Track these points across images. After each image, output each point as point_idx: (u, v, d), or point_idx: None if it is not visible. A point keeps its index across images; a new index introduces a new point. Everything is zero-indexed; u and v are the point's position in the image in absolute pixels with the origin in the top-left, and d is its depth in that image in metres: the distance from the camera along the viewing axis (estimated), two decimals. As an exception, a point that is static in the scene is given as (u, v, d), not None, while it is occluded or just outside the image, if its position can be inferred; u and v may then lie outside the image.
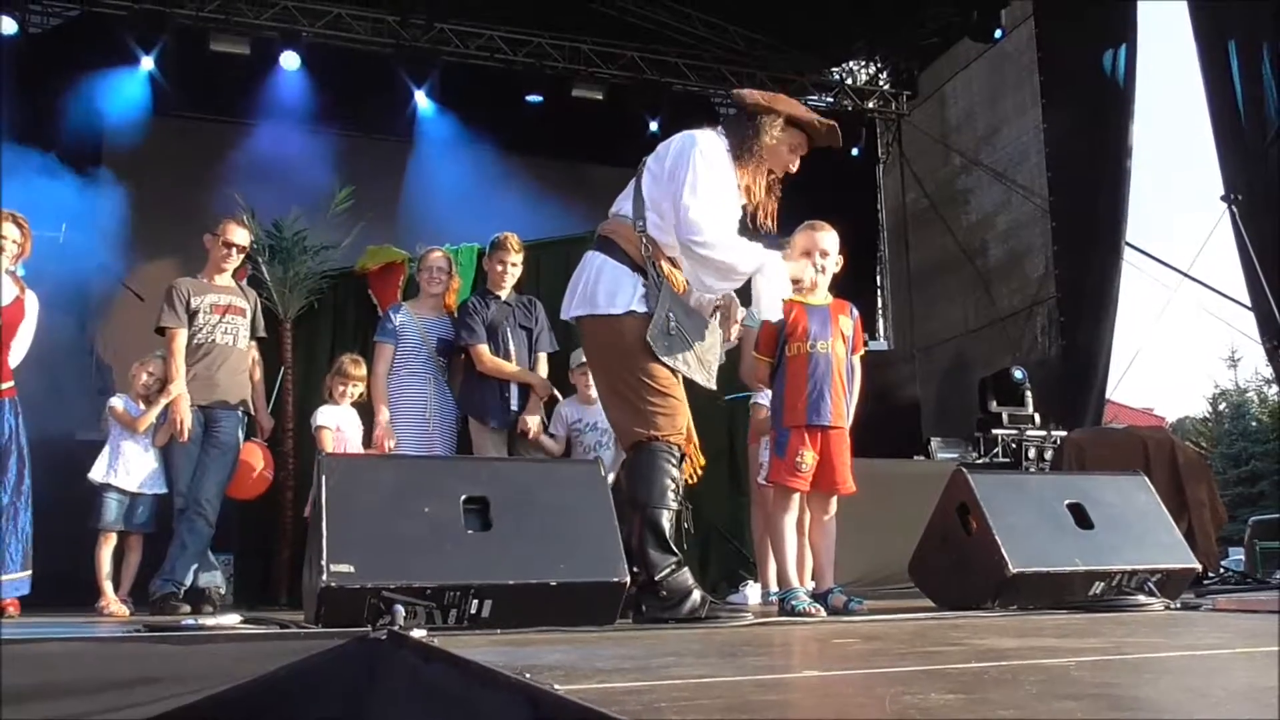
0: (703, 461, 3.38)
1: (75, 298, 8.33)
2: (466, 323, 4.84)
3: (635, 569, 3.23)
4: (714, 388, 3.36)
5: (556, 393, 5.02)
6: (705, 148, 3.25)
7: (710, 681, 1.41)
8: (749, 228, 3.38)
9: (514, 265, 4.92)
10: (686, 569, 3.13)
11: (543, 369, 4.95)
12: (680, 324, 3.18)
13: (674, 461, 3.16)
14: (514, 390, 4.84)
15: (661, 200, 3.23)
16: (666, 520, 3.11)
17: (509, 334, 4.85)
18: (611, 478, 4.67)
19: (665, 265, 3.23)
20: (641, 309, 3.16)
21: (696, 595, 3.06)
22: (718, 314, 3.43)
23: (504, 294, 4.94)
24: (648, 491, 3.11)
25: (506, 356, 4.84)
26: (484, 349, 4.80)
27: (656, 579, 3.05)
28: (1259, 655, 1.67)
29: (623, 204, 3.34)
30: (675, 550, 3.11)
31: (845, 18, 10.31)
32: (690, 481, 3.35)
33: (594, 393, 4.67)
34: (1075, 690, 1.23)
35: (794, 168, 3.46)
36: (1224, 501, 7.21)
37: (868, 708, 1.16)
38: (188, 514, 4.65)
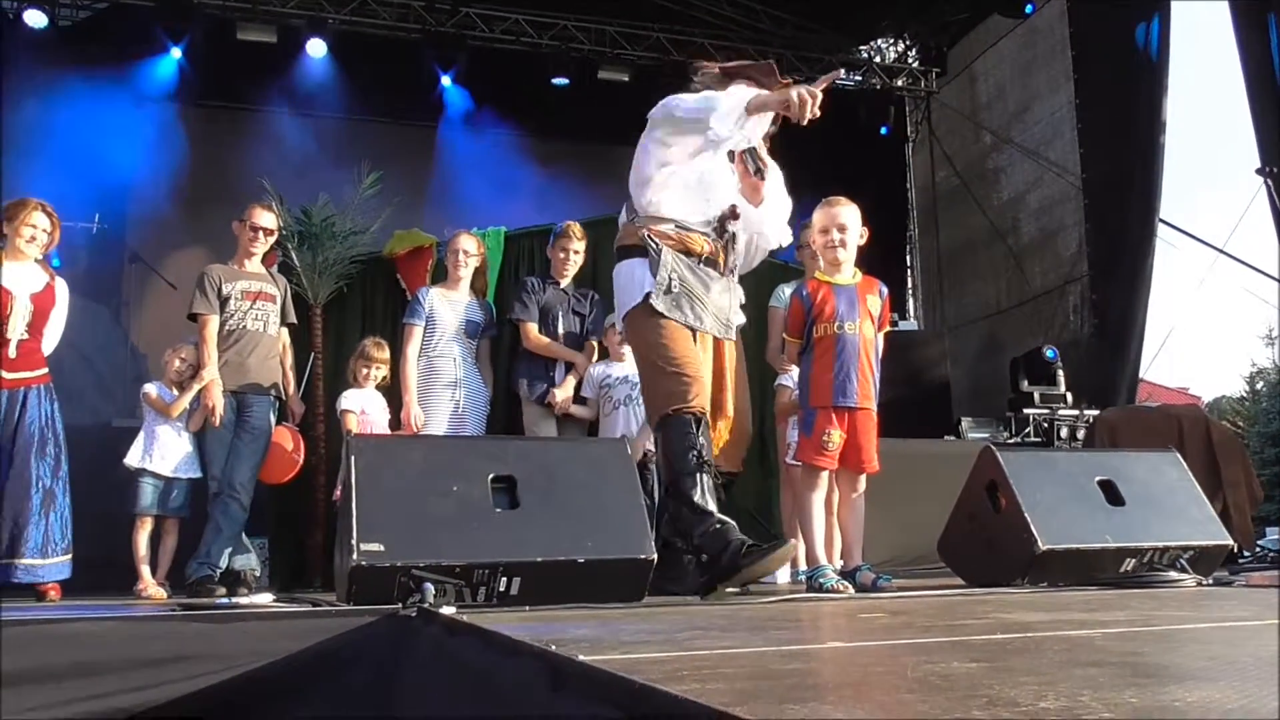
0: (734, 434, 3.44)
1: (110, 287, 8.46)
2: (521, 299, 5.05)
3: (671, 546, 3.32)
4: (731, 338, 3.54)
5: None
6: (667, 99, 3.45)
7: (734, 652, 1.41)
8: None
9: (576, 253, 5.12)
10: (730, 527, 3.15)
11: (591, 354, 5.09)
12: (684, 281, 3.32)
13: (691, 427, 3.21)
14: (559, 368, 5.01)
15: (640, 167, 3.44)
16: (693, 484, 3.16)
17: (559, 317, 5.02)
18: (639, 444, 4.76)
19: (663, 232, 3.37)
20: (650, 286, 3.32)
21: (735, 542, 3.08)
22: (731, 272, 3.49)
23: (565, 281, 5.11)
24: (671, 464, 3.21)
25: (554, 339, 5.03)
26: (532, 326, 5.00)
27: (696, 543, 3.12)
28: (1289, 626, 1.66)
29: (623, 214, 3.57)
30: (711, 511, 3.14)
31: (873, -4, 10.22)
32: (716, 454, 3.40)
33: (625, 350, 4.77)
34: (1099, 658, 1.23)
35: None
36: (1261, 480, 7.14)
37: (890, 675, 1.17)
38: (222, 498, 4.72)
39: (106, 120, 8.42)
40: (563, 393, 4.94)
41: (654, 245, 3.33)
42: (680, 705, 0.85)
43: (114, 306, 8.59)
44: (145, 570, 4.71)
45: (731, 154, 3.45)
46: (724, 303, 3.47)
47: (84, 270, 7.81)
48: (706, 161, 3.39)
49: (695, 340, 3.38)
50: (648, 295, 3.30)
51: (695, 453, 3.18)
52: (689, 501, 3.15)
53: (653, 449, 4.86)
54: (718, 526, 3.10)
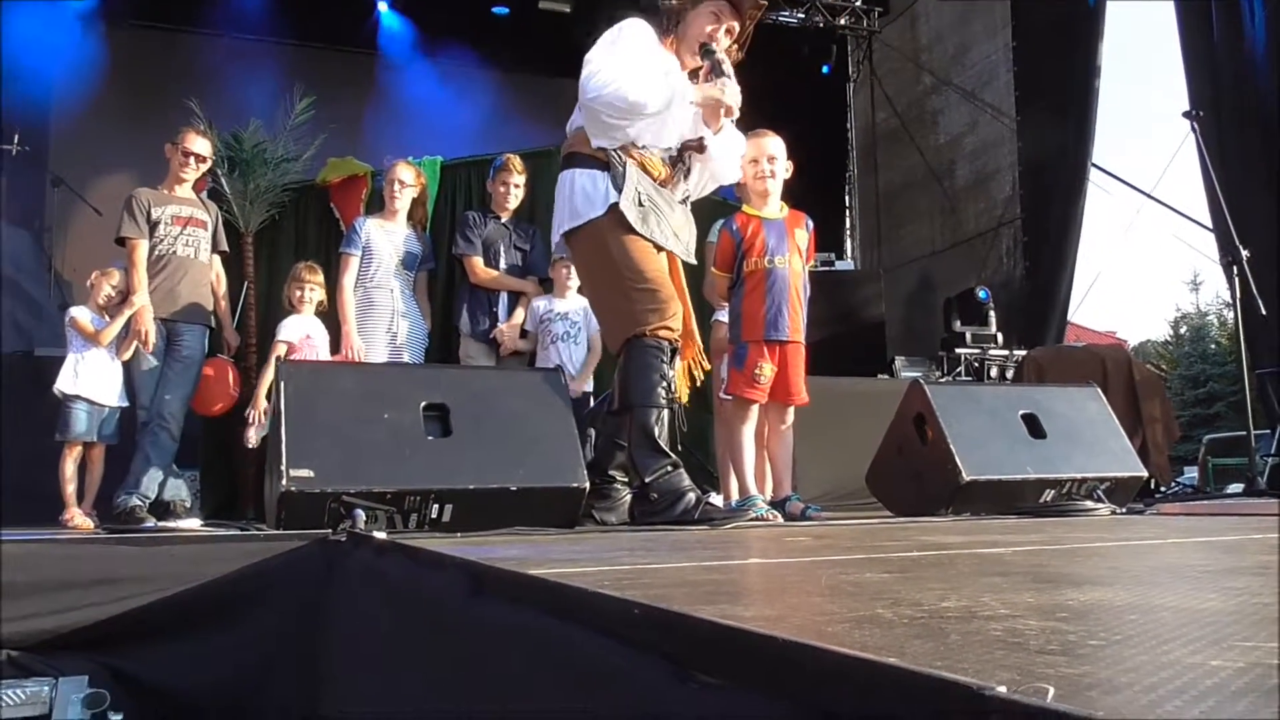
0: (708, 366, 3.38)
1: (31, 210, 8.20)
2: (464, 234, 4.98)
3: (605, 475, 3.28)
4: (694, 261, 3.40)
5: None
6: (623, 26, 3.27)
7: (657, 567, 1.44)
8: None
9: (517, 187, 5.04)
10: (681, 471, 3.06)
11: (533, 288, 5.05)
12: (650, 198, 3.18)
13: (663, 357, 3.08)
14: (502, 303, 4.98)
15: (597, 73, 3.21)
16: (655, 420, 3.04)
17: (501, 252, 4.97)
18: (577, 386, 4.77)
19: (624, 147, 3.22)
20: (615, 198, 3.14)
21: (690, 496, 2.99)
22: (684, 202, 3.42)
23: (505, 216, 5.05)
24: (634, 390, 3.05)
25: None
26: (477, 260, 4.94)
27: (647, 481, 3.01)
28: (1189, 544, 1.73)
29: (574, 119, 3.33)
30: (667, 452, 3.05)
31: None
32: (692, 385, 3.34)
33: (571, 285, 4.74)
34: (1005, 569, 1.28)
35: (723, 36, 3.37)
36: (1181, 422, 7.39)
37: (804, 584, 1.20)
38: (151, 427, 4.63)
39: (26, 38, 8.10)
40: (510, 329, 4.90)
41: (618, 156, 3.16)
42: (593, 599, 0.87)
43: (35, 231, 8.33)
44: (72, 498, 4.63)
45: (694, 75, 3.34)
46: (685, 227, 3.34)
47: (4, 194, 7.56)
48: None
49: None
50: (613, 206, 3.12)
51: (664, 385, 3.06)
52: (649, 437, 3.03)
53: (588, 390, 4.89)
54: (669, 470, 3.02)
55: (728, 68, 3.25)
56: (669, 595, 1.04)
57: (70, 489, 4.64)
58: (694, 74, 3.35)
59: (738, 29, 3.41)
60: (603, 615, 0.84)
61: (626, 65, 3.13)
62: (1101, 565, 1.37)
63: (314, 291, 4.93)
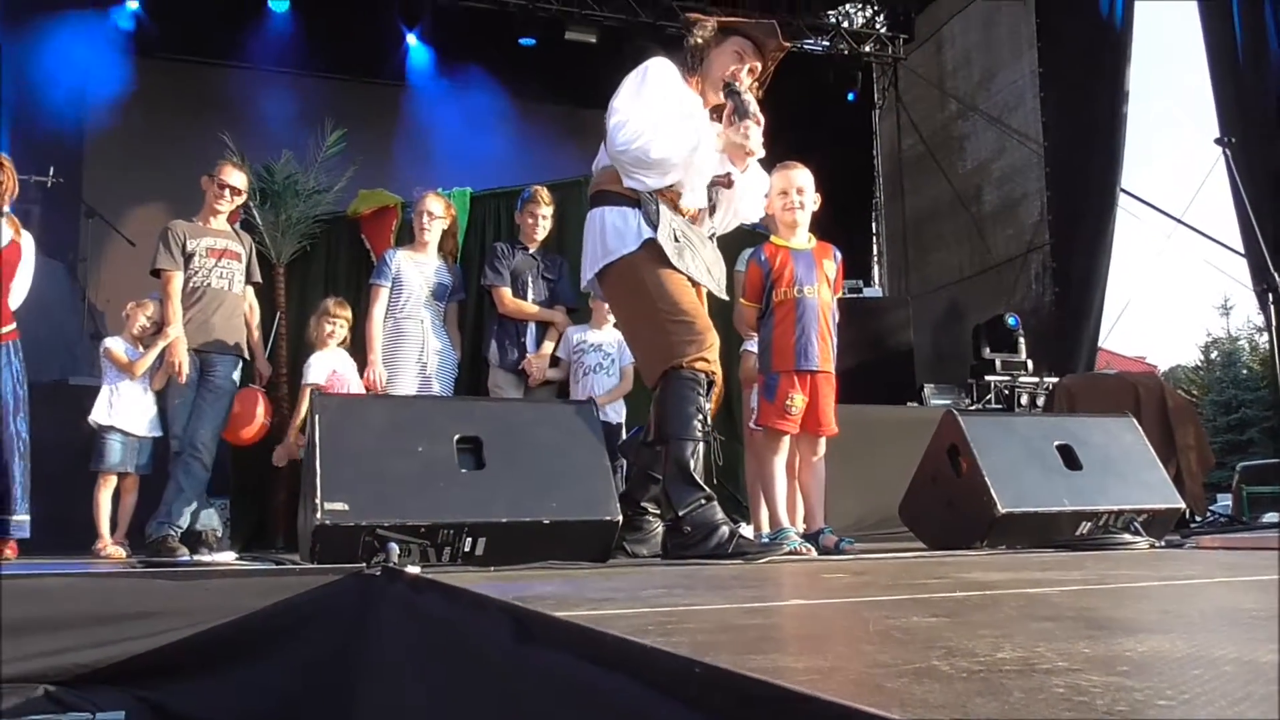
0: (721, 391, 3.36)
1: (65, 242, 8.32)
2: (493, 265, 5.01)
3: (638, 507, 3.27)
4: (725, 297, 3.41)
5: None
6: (648, 67, 3.27)
7: (698, 608, 1.43)
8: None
9: (545, 218, 5.08)
10: (714, 504, 3.04)
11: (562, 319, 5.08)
12: (684, 233, 3.18)
13: (699, 390, 3.07)
14: (530, 334, 5.00)
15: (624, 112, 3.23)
16: (690, 453, 3.03)
17: (529, 282, 5.00)
18: (612, 414, 4.77)
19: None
20: (649, 234, 3.14)
21: (724, 530, 2.97)
22: (711, 237, 3.42)
23: (534, 246, 5.09)
24: (671, 423, 3.05)
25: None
26: (505, 291, 4.97)
27: (680, 515, 3.00)
28: (1236, 584, 1.70)
29: (601, 158, 3.34)
30: (701, 485, 3.03)
31: (842, -41, 10.18)
32: (721, 410, 3.32)
33: (610, 316, 4.74)
34: (1054, 613, 1.26)
35: (746, 74, 3.37)
36: (1214, 448, 7.30)
37: (852, 629, 1.19)
38: (183, 457, 4.67)
39: (61, 72, 8.24)
40: (539, 362, 4.92)
41: (650, 196, 3.17)
42: (644, 654, 0.86)
43: (70, 262, 8.44)
44: (105, 528, 4.68)
45: (718, 112, 3.35)
46: (716, 263, 3.35)
47: (38, 225, 7.66)
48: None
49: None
50: (647, 241, 3.13)
51: (700, 418, 3.05)
52: (684, 471, 3.02)
53: (619, 420, 4.89)
54: (703, 503, 3.01)
55: (753, 107, 3.25)
56: (715, 642, 1.03)
57: (104, 519, 4.69)
58: (717, 111, 3.37)
59: (760, 69, 3.42)
60: (659, 671, 0.83)
61: (653, 116, 3.15)
62: (1151, 608, 1.35)
63: (341, 327, 4.97)
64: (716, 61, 3.37)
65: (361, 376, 4.90)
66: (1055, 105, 9.05)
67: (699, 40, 3.37)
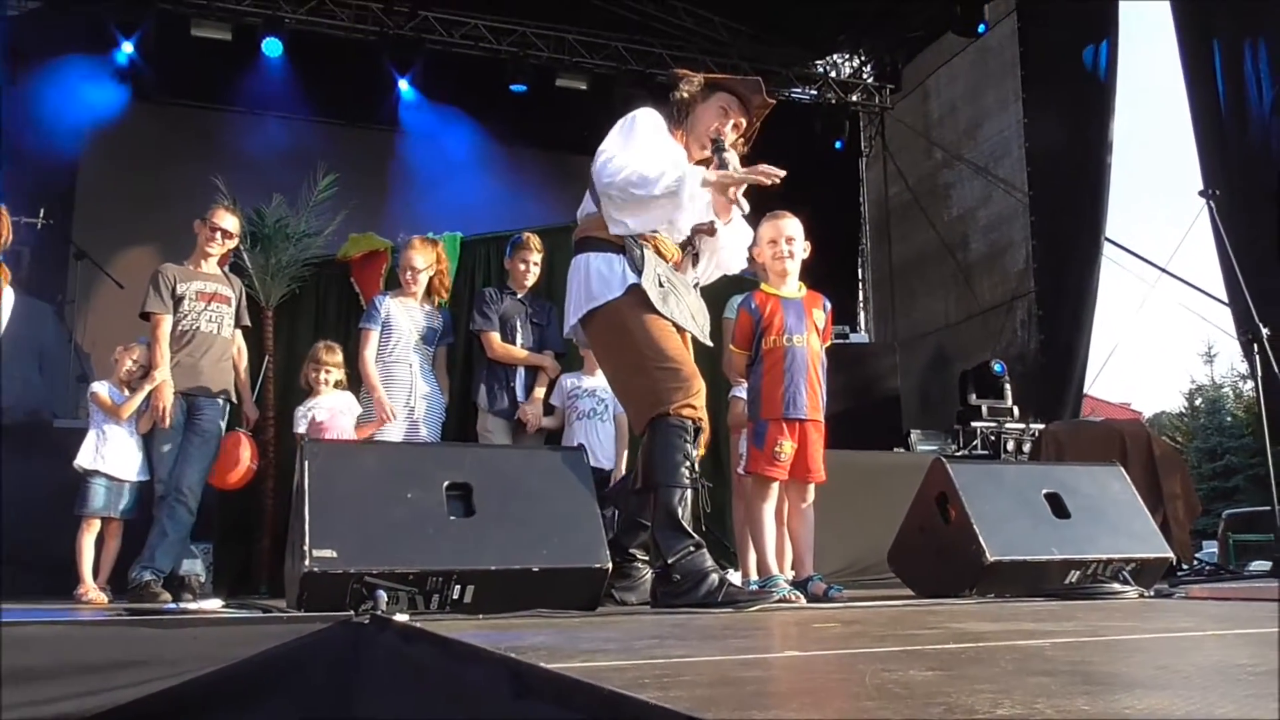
0: (707, 438, 3.35)
1: (54, 284, 8.30)
2: (482, 310, 5.04)
3: (626, 554, 3.25)
4: (710, 343, 3.39)
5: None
6: (636, 115, 3.31)
7: (693, 660, 1.43)
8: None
9: (535, 265, 5.13)
10: (704, 551, 3.02)
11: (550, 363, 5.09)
12: (669, 279, 3.19)
13: (686, 437, 3.05)
14: (519, 379, 5.00)
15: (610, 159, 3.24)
16: (679, 500, 3.01)
17: (518, 327, 5.03)
18: (604, 460, 4.76)
19: (639, 234, 3.23)
20: (634, 279, 3.15)
21: (714, 578, 2.94)
22: (695, 286, 3.43)
23: (522, 292, 5.12)
24: (659, 470, 3.03)
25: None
26: (494, 336, 4.99)
27: (670, 562, 2.97)
28: (1230, 636, 1.71)
29: (587, 204, 3.36)
30: (690, 532, 3.01)
31: (830, 10, 10.34)
32: (708, 454, 3.31)
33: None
34: (1050, 667, 1.26)
35: (731, 129, 3.39)
36: (1199, 495, 7.32)
37: (849, 683, 1.18)
38: (169, 501, 4.63)
39: (54, 113, 8.27)
40: (533, 409, 4.94)
41: (633, 239, 3.18)
42: (646, 711, 0.86)
43: (58, 305, 8.42)
44: (88, 573, 4.62)
45: (703, 165, 3.38)
46: (700, 310, 3.35)
47: (27, 266, 7.65)
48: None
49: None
50: (632, 287, 3.13)
51: (688, 465, 3.04)
52: (673, 518, 3.00)
53: (606, 465, 4.87)
54: (692, 550, 2.99)
55: (735, 163, 3.26)
56: (713, 697, 1.03)
57: (86, 564, 4.63)
58: (702, 165, 3.38)
59: (745, 125, 3.44)
60: (661, 728, 0.83)
61: (639, 152, 3.18)
62: (1147, 663, 1.35)
63: (331, 374, 4.96)
64: (702, 116, 3.40)
65: (360, 416, 4.86)
66: (1040, 155, 9.17)
67: (686, 94, 3.40)
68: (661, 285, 3.16)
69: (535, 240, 5.12)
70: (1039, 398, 8.48)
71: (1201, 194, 5.35)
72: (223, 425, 4.86)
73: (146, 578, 4.52)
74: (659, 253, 3.26)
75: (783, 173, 3.16)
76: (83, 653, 2.15)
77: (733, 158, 3.27)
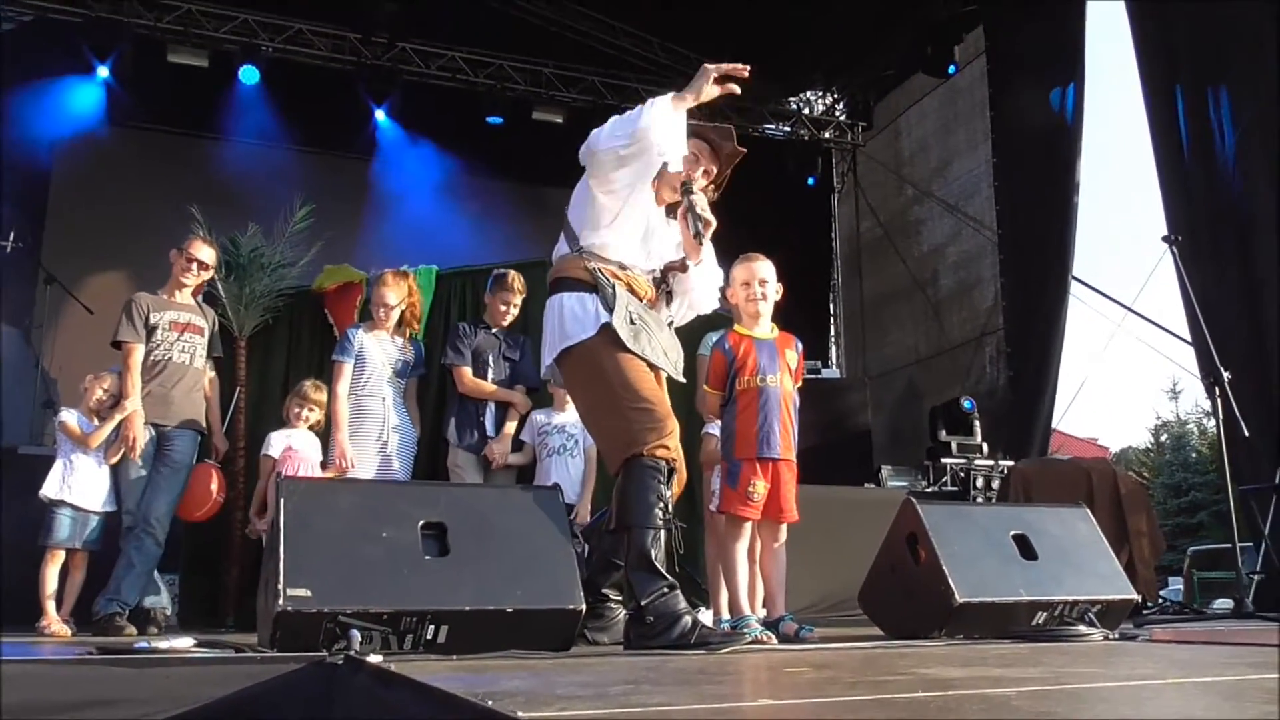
0: (683, 479, 3.36)
1: (21, 308, 8.23)
2: (455, 345, 5.04)
3: (599, 595, 3.26)
4: (683, 379, 3.40)
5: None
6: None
7: (669, 709, 1.45)
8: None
9: (515, 306, 5.14)
10: (677, 593, 3.02)
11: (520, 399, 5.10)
12: (640, 316, 3.21)
13: (660, 478, 3.07)
14: (489, 414, 5.01)
15: (581, 205, 3.31)
16: (652, 540, 3.02)
17: (490, 361, 5.04)
18: (580, 513, 4.77)
19: (612, 270, 3.27)
20: (607, 318, 3.17)
21: (686, 620, 2.95)
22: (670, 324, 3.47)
23: (497, 328, 5.13)
24: (632, 511, 3.04)
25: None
26: (466, 370, 5.00)
27: (643, 604, 2.97)
28: (1189, 685, 1.76)
29: (561, 246, 3.39)
30: (664, 574, 3.02)
31: (804, 49, 10.49)
32: (681, 497, 3.33)
33: (571, 404, 4.74)
34: (1016, 717, 1.30)
35: (701, 175, 3.44)
36: (1164, 531, 7.43)
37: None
38: (136, 532, 4.61)
39: (25, 135, 8.24)
40: (500, 447, 4.95)
41: (606, 279, 3.21)
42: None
43: (25, 328, 8.35)
44: (51, 606, 4.57)
45: (672, 210, 3.42)
46: (673, 346, 3.37)
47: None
48: (649, 208, 3.37)
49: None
50: (604, 326, 3.15)
51: (661, 506, 3.05)
52: (646, 560, 3.01)
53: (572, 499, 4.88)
54: (665, 592, 3.00)
55: (702, 205, 3.30)
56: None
57: (50, 595, 4.58)
58: (672, 209, 3.43)
59: (716, 172, 3.49)
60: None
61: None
62: (1108, 712, 1.39)
63: (314, 412, 4.99)
64: None
65: (325, 457, 4.90)
66: (1009, 195, 9.32)
67: None
68: (633, 323, 3.18)
69: (518, 281, 5.12)
70: (1008, 433, 8.58)
71: (1165, 239, 5.47)
72: (193, 457, 4.85)
73: (112, 610, 4.48)
74: (633, 291, 3.30)
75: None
76: (52, 692, 2.14)
77: (700, 199, 3.32)
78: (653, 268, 3.39)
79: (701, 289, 3.49)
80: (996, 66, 9.58)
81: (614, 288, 3.21)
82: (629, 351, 3.16)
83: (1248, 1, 6.57)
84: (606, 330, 3.17)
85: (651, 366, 3.25)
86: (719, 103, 3.40)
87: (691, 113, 3.23)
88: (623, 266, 3.31)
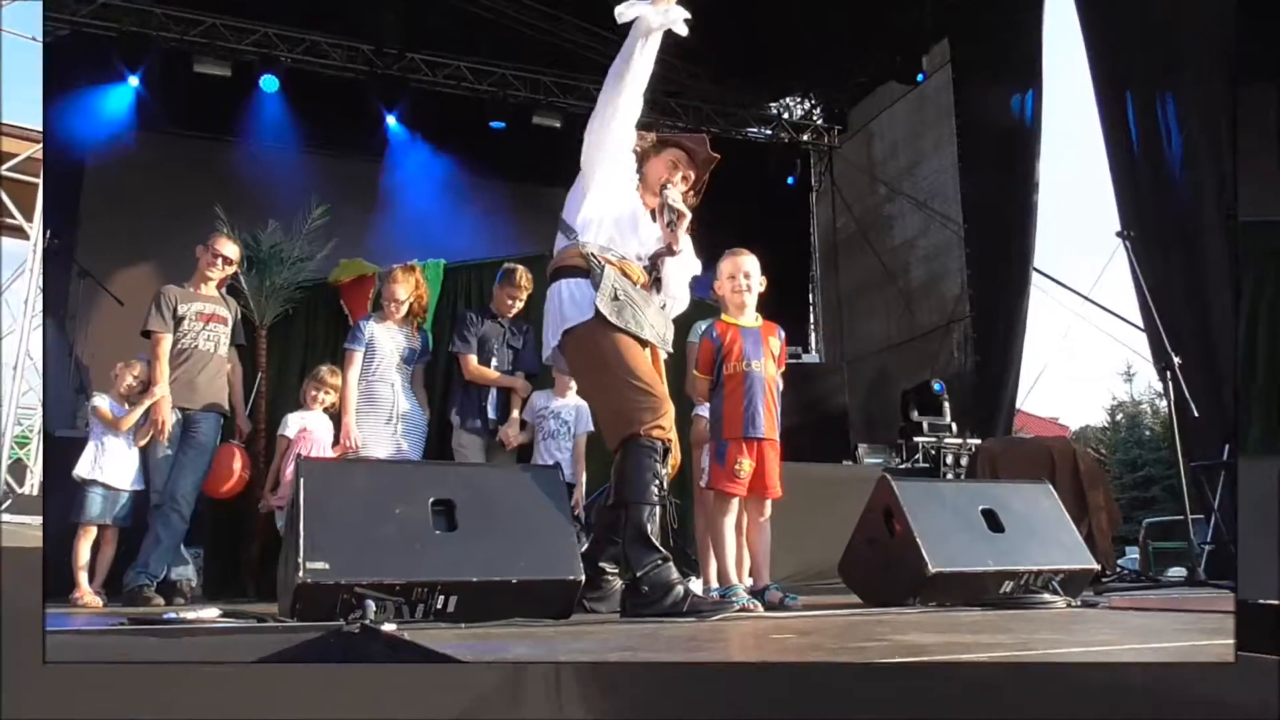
0: (677, 459, 3.34)
1: (57, 300, 8.18)
2: (461, 333, 5.02)
3: (597, 567, 3.25)
4: (670, 351, 3.38)
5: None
6: None
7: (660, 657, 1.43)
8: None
9: (520, 300, 5.09)
10: (670, 564, 3.01)
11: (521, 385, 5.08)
12: (626, 293, 3.18)
13: (656, 457, 3.06)
14: (492, 399, 4.99)
15: (575, 202, 3.31)
16: (647, 516, 3.01)
17: (495, 349, 5.03)
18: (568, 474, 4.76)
19: (606, 256, 3.24)
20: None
21: (679, 590, 2.94)
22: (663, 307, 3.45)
23: (503, 317, 5.10)
24: (630, 488, 3.04)
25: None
26: (471, 358, 4.99)
27: (639, 575, 2.97)
28: (1145, 651, 1.75)
29: (560, 240, 3.36)
30: (658, 547, 3.01)
31: (783, 57, 10.44)
32: (675, 475, 3.32)
33: (572, 385, 4.72)
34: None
35: (680, 180, 3.45)
36: (1120, 504, 7.44)
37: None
38: (163, 509, 4.59)
39: (61, 140, 8.18)
40: (511, 430, 4.96)
41: (596, 262, 3.18)
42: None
43: (60, 318, 8.29)
44: (83, 578, 4.53)
45: (653, 213, 3.40)
46: (660, 322, 3.33)
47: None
48: (636, 204, 3.36)
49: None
50: (597, 311, 3.11)
51: (657, 483, 3.05)
52: (642, 533, 3.00)
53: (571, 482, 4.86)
54: (659, 564, 2.98)
55: (677, 202, 3.33)
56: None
57: (82, 568, 4.55)
58: (652, 212, 3.41)
59: (694, 178, 3.50)
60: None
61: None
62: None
63: (329, 395, 4.97)
64: (654, 167, 3.46)
65: (335, 440, 4.87)
66: (974, 192, 9.31)
67: (639, 149, 3.45)
68: (617, 298, 3.14)
69: (524, 278, 5.07)
70: (975, 414, 8.59)
71: (1119, 234, 5.46)
72: (217, 438, 4.82)
73: (140, 583, 4.46)
74: (626, 275, 3.26)
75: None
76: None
77: (673, 193, 3.35)
78: (643, 254, 3.37)
79: (678, 280, 3.46)
80: (961, 74, 9.56)
81: (604, 269, 3.18)
82: (622, 331, 3.13)
83: (1192, 10, 6.52)
84: (600, 312, 3.14)
85: (643, 344, 3.22)
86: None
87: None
88: (616, 254, 3.29)
